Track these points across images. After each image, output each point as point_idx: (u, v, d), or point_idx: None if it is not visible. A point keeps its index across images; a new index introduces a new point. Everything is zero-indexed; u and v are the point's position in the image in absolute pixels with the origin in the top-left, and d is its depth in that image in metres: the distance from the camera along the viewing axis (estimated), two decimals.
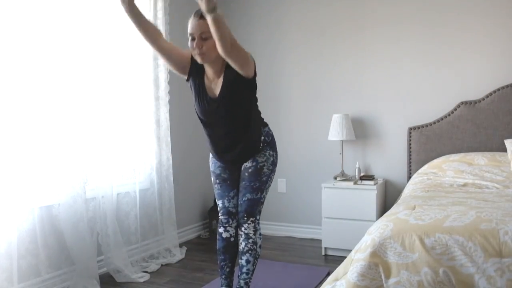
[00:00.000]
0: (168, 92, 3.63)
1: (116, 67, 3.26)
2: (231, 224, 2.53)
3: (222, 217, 2.55)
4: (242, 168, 2.49)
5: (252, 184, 2.44)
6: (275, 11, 4.25)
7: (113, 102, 3.21)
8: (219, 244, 2.56)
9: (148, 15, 3.48)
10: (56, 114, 2.82)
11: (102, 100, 3.11)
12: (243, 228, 2.47)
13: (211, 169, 2.60)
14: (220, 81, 2.32)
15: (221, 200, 2.57)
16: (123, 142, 3.37)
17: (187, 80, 2.42)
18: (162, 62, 3.57)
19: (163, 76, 3.59)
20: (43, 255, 2.75)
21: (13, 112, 2.56)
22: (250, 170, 2.45)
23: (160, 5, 3.56)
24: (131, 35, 3.42)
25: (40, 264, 2.74)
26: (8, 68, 2.54)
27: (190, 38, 2.23)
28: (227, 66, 2.27)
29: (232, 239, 2.53)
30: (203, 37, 2.20)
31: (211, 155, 2.60)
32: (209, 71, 2.34)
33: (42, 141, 2.79)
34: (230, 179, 2.54)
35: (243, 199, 2.46)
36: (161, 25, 3.56)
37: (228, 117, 2.35)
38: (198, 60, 2.26)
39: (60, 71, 2.82)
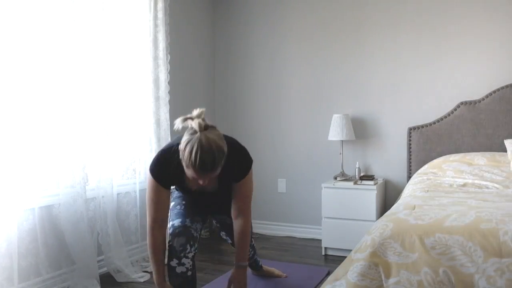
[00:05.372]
0: (168, 92, 3.63)
1: (116, 67, 3.26)
2: (188, 253, 2.06)
3: (177, 242, 2.04)
4: (228, 222, 2.41)
5: None
6: (275, 12, 4.25)
7: (113, 102, 3.21)
8: (172, 282, 2.08)
9: (148, 15, 3.48)
10: (57, 113, 2.82)
11: (103, 100, 3.11)
12: None
13: (178, 194, 2.28)
14: (213, 179, 2.11)
15: (180, 219, 2.12)
16: (123, 142, 3.37)
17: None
18: (162, 62, 3.58)
19: (163, 76, 3.59)
20: (44, 255, 2.75)
21: (13, 112, 2.56)
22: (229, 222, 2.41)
23: (160, 5, 3.56)
24: (131, 36, 3.42)
25: (40, 264, 2.74)
26: (9, 69, 2.54)
27: (191, 178, 1.90)
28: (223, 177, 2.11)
29: (189, 273, 2.07)
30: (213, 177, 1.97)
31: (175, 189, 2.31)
32: None
33: (43, 141, 2.79)
34: (199, 206, 2.27)
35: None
36: (161, 25, 3.56)
37: (218, 198, 2.23)
38: (193, 187, 2.08)
39: (60, 72, 2.82)
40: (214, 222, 2.59)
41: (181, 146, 1.81)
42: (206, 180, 1.84)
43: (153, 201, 2.02)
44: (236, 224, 2.18)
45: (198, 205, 2.27)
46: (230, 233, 2.57)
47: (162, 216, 2.05)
